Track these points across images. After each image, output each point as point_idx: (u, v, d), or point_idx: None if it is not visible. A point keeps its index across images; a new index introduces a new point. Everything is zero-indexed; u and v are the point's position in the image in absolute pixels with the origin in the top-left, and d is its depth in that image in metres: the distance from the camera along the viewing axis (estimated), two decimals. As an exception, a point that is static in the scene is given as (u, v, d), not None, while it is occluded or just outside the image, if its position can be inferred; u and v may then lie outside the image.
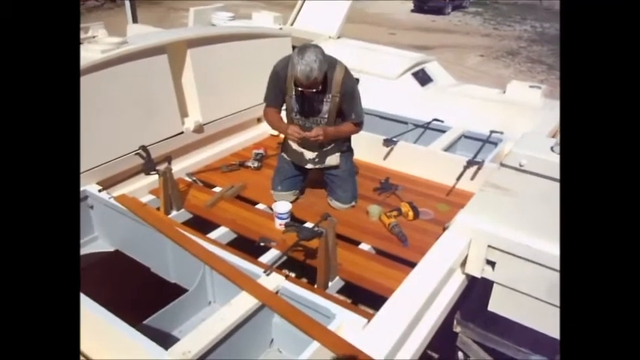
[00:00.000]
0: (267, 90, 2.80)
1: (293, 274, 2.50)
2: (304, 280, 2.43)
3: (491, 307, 2.18)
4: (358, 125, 2.80)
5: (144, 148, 2.86)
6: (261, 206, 2.98)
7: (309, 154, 2.86)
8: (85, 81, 2.49)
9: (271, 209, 2.80)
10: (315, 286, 2.27)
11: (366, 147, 3.35)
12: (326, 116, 2.71)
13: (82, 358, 1.58)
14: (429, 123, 3.79)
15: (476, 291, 2.40)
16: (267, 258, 2.39)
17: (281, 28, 5.46)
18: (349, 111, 2.72)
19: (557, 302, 1.91)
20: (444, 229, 2.31)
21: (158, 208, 2.78)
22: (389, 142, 3.43)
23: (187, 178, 3.26)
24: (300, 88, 2.53)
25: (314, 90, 2.53)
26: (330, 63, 2.59)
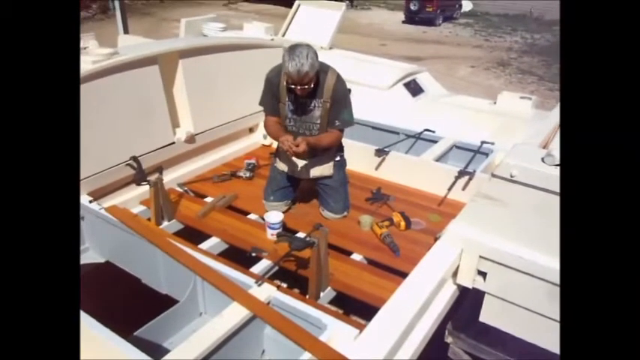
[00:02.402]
0: (262, 98, 2.80)
1: (284, 285, 2.49)
2: (296, 290, 2.42)
3: (483, 317, 2.18)
4: (342, 132, 2.80)
5: (135, 158, 2.86)
6: (252, 216, 2.97)
7: (302, 164, 2.85)
8: (76, 91, 2.47)
9: (263, 219, 2.79)
10: (307, 296, 2.26)
11: (358, 157, 3.36)
12: (318, 122, 2.70)
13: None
14: (420, 133, 3.80)
15: (467, 301, 2.40)
16: (258, 268, 2.39)
17: (272, 39, 5.49)
18: (334, 117, 2.70)
19: (549, 313, 1.92)
20: (436, 239, 2.32)
21: (149, 219, 2.77)
22: (381, 152, 3.44)
23: (179, 189, 3.24)
24: (292, 85, 2.50)
25: (306, 86, 2.50)
26: (322, 68, 2.60)
